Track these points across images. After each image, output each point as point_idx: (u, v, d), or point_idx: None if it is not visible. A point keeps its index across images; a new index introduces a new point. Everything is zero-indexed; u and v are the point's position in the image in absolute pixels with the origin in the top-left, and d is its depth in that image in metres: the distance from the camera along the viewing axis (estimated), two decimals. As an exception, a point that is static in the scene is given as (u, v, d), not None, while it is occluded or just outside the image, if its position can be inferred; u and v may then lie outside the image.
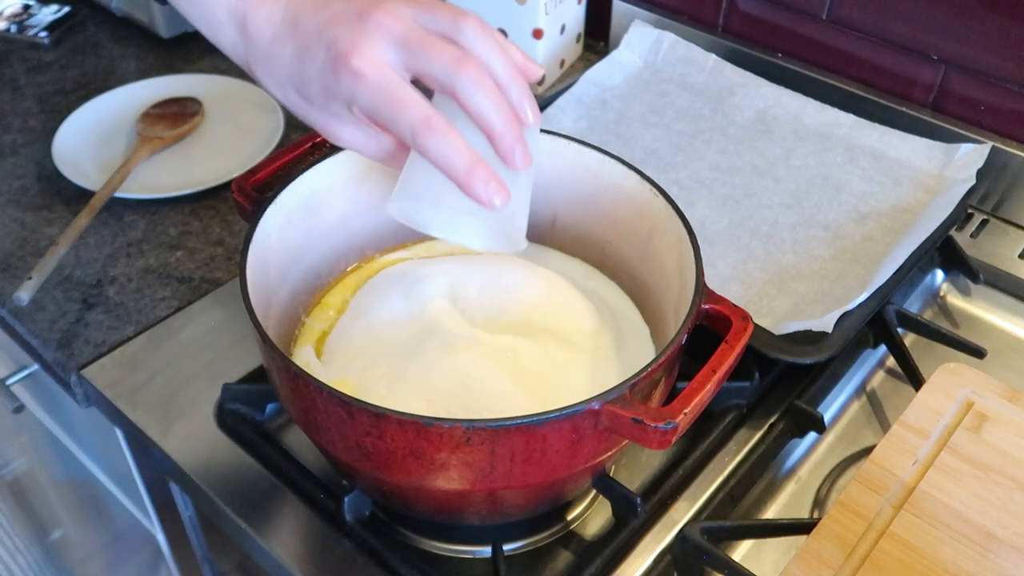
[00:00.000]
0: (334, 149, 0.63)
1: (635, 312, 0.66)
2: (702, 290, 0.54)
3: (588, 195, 0.66)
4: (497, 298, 0.64)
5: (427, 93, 0.50)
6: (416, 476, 0.49)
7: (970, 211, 0.88)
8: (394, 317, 0.62)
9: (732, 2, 0.99)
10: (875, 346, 0.76)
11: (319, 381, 0.48)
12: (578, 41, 1.08)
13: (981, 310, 0.82)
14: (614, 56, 0.99)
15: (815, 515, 0.65)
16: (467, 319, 0.63)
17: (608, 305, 0.66)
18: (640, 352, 0.62)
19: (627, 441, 0.51)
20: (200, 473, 0.64)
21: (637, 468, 0.65)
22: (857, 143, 0.88)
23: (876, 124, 0.89)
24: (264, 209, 0.58)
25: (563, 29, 1.02)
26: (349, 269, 0.68)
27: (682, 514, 0.62)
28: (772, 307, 0.72)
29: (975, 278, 0.81)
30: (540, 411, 0.46)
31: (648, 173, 0.62)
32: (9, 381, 0.82)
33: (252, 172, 0.61)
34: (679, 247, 0.58)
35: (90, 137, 0.94)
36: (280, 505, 0.62)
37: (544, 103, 0.94)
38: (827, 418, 0.70)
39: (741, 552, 0.63)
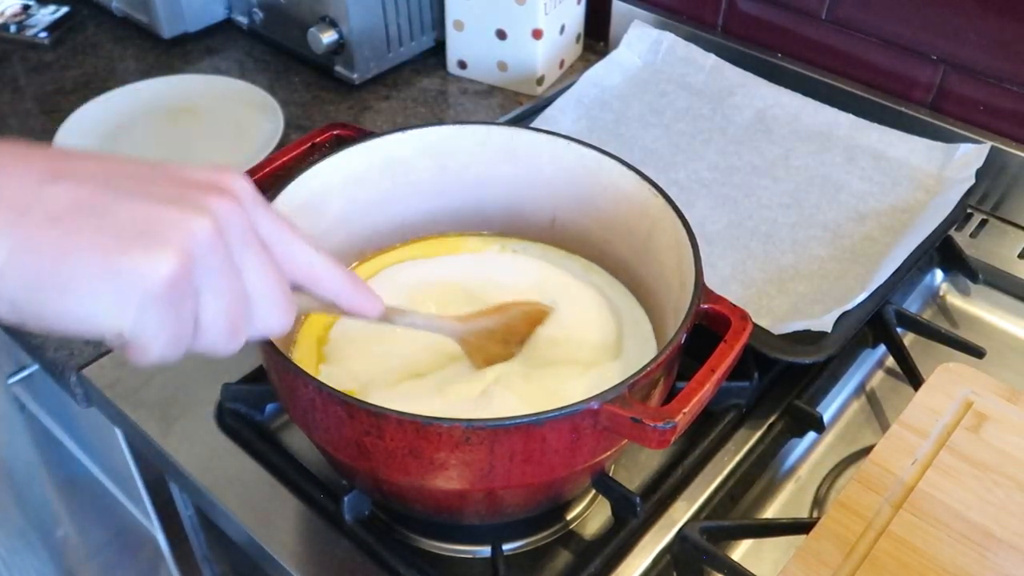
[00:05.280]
0: (334, 149, 0.63)
1: (638, 308, 0.65)
2: (701, 290, 0.54)
3: (587, 195, 0.66)
4: (498, 296, 0.64)
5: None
6: (415, 476, 0.49)
7: (969, 211, 0.88)
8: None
9: (732, 2, 0.99)
10: (874, 346, 0.76)
11: (318, 381, 0.48)
12: (578, 41, 1.08)
13: (980, 310, 0.82)
14: (613, 56, 0.99)
15: (814, 515, 0.65)
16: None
17: (610, 301, 0.66)
18: (641, 350, 0.62)
19: (626, 441, 0.51)
20: (200, 473, 0.64)
21: (636, 468, 0.65)
22: (856, 143, 0.89)
23: (875, 124, 0.89)
24: (264, 209, 0.58)
25: (563, 29, 1.02)
26: (349, 269, 0.68)
27: (681, 514, 0.62)
28: (771, 307, 0.72)
29: (974, 278, 0.81)
30: (539, 410, 0.46)
31: (647, 173, 0.62)
32: (9, 381, 0.82)
33: (252, 172, 0.61)
34: (678, 247, 0.58)
35: (90, 137, 0.94)
36: (279, 505, 0.62)
37: (544, 103, 0.94)
38: (826, 418, 0.70)
39: (740, 552, 0.63)
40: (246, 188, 0.39)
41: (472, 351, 0.59)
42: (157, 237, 0.34)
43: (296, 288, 0.42)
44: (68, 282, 0.33)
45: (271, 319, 0.40)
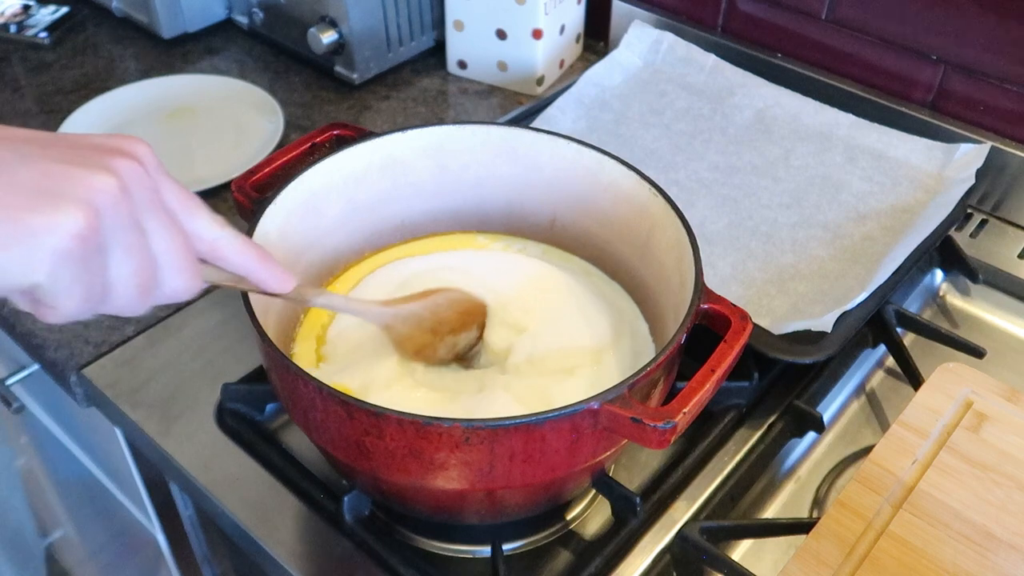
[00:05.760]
0: (334, 149, 0.63)
1: (635, 309, 0.66)
2: (701, 290, 0.54)
3: (587, 195, 0.66)
4: (496, 294, 0.64)
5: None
6: (415, 476, 0.49)
7: (969, 211, 0.88)
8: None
9: (732, 2, 0.99)
10: (874, 346, 0.76)
11: (319, 381, 0.48)
12: (578, 41, 1.08)
13: (980, 310, 0.82)
14: (614, 56, 0.99)
15: (814, 515, 0.65)
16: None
17: (609, 303, 0.66)
18: (638, 351, 0.62)
19: (626, 441, 0.51)
20: (200, 473, 0.64)
21: (636, 468, 0.65)
22: (856, 143, 0.89)
23: (875, 124, 0.89)
24: (264, 209, 0.58)
25: (563, 29, 1.02)
26: (348, 267, 0.68)
27: (681, 514, 0.62)
28: (771, 307, 0.72)
29: (974, 278, 0.81)
30: (539, 410, 0.46)
31: (647, 173, 0.62)
32: (9, 381, 0.82)
33: (252, 172, 0.61)
34: (678, 247, 0.58)
35: (90, 137, 0.94)
36: (280, 505, 0.62)
37: (544, 103, 0.94)
38: (826, 418, 0.70)
39: (740, 551, 0.63)
40: (148, 155, 0.39)
41: (400, 340, 0.58)
42: (63, 194, 0.35)
43: (203, 261, 0.43)
44: None
45: (177, 281, 0.41)
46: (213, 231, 0.43)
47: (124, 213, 0.37)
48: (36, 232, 0.34)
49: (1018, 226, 0.87)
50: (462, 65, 1.05)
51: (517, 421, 0.46)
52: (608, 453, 0.52)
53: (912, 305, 0.81)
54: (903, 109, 0.90)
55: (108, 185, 0.36)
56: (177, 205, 0.41)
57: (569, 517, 0.62)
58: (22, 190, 0.34)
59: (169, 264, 0.40)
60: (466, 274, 0.66)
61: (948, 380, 0.65)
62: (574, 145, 0.65)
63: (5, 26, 1.12)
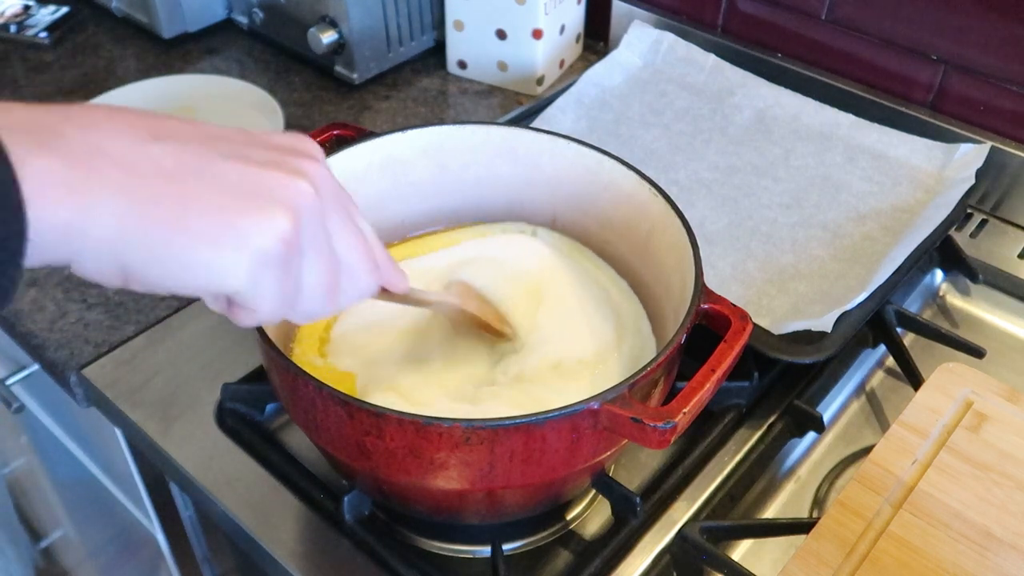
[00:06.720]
0: (334, 149, 0.63)
1: (639, 306, 0.65)
2: (701, 290, 0.54)
3: (587, 195, 0.66)
4: (498, 291, 0.64)
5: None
6: (416, 476, 0.49)
7: (969, 211, 0.88)
8: (395, 312, 0.62)
9: (732, 2, 0.99)
10: (874, 346, 0.76)
11: (319, 381, 0.48)
12: (578, 41, 1.08)
13: (980, 310, 0.82)
14: (614, 56, 0.99)
15: (814, 515, 0.65)
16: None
17: (611, 299, 0.66)
18: (640, 350, 0.62)
19: (626, 441, 0.51)
20: (200, 473, 0.64)
21: (636, 468, 0.65)
22: (856, 143, 0.89)
23: (875, 124, 0.89)
24: (264, 209, 0.58)
25: (563, 29, 1.02)
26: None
27: (681, 514, 0.62)
28: (771, 307, 0.72)
29: (974, 278, 0.81)
30: (539, 410, 0.46)
31: (647, 173, 0.62)
32: (9, 381, 0.82)
33: (252, 172, 0.61)
34: (678, 247, 0.58)
35: (90, 137, 0.94)
36: (279, 505, 0.62)
37: (544, 103, 0.94)
38: (826, 418, 0.70)
39: (740, 552, 0.63)
40: (323, 156, 0.40)
41: (483, 314, 0.59)
42: (269, 198, 0.35)
43: None
44: (190, 241, 0.33)
45: (363, 280, 0.42)
46: (365, 225, 0.43)
47: (318, 217, 0.37)
48: (247, 234, 0.34)
49: (1018, 226, 0.87)
50: (462, 65, 1.05)
51: (517, 421, 0.46)
52: (608, 453, 0.52)
53: (912, 305, 0.81)
54: (903, 109, 0.90)
55: (307, 190, 0.37)
56: (351, 207, 0.42)
57: (569, 517, 0.62)
58: (231, 191, 0.34)
59: (355, 265, 0.41)
60: (472, 271, 0.66)
61: (948, 380, 0.65)
62: (574, 145, 0.65)
63: (5, 26, 1.12)
